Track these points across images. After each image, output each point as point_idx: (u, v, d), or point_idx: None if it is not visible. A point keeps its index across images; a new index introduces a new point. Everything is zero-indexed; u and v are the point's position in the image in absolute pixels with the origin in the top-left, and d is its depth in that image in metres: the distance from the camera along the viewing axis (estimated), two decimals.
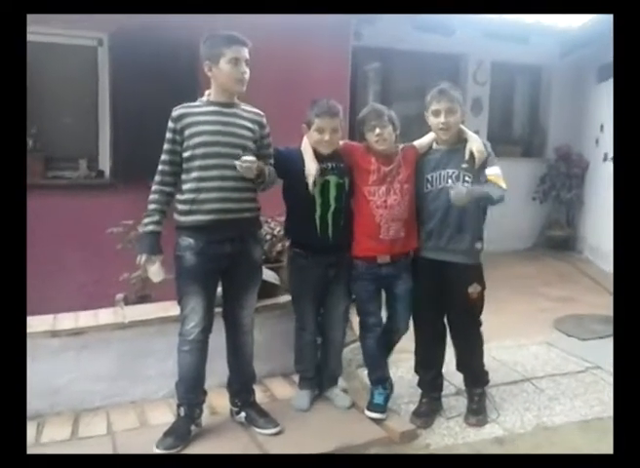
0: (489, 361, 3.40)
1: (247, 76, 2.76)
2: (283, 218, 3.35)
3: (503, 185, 2.98)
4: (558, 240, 7.56)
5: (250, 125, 2.81)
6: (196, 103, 2.81)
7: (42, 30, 4.39)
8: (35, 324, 3.06)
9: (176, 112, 2.75)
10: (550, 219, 7.69)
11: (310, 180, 2.91)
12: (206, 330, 2.81)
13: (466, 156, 2.98)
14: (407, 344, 3.27)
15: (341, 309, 3.20)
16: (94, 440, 2.84)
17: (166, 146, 2.76)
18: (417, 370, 3.30)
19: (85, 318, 3.27)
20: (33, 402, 2.81)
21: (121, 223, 3.68)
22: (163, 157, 2.76)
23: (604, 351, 4.10)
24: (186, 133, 2.70)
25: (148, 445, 2.76)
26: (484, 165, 2.99)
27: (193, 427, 2.84)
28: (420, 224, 3.10)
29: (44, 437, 2.84)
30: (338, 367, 3.31)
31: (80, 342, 3.12)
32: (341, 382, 3.38)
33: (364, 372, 3.46)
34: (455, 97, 2.99)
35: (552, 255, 7.29)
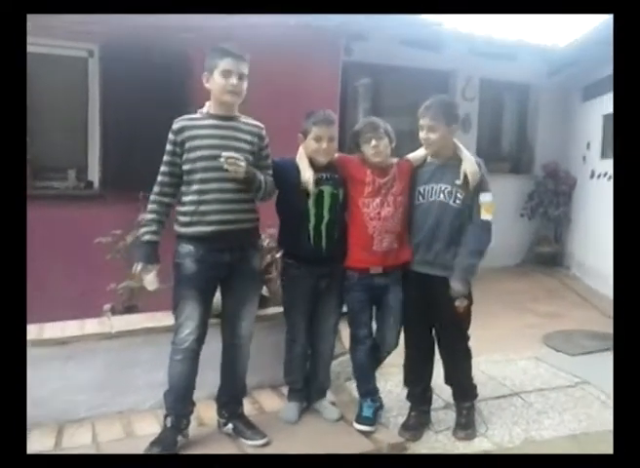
0: (477, 375, 3.40)
1: (239, 89, 2.76)
2: (272, 230, 3.35)
3: (490, 215, 3.02)
4: (546, 256, 7.61)
5: (249, 138, 2.83)
6: (196, 116, 2.82)
7: (32, 41, 4.32)
8: None
9: (176, 125, 2.77)
10: (538, 236, 7.75)
11: (310, 187, 2.92)
12: (199, 339, 2.78)
13: (461, 177, 3.00)
14: (395, 358, 3.26)
15: (332, 321, 3.19)
16: (78, 450, 2.79)
17: (166, 158, 2.78)
18: (406, 384, 3.29)
19: (71, 327, 3.22)
20: None
21: (110, 233, 3.66)
22: (162, 168, 2.79)
23: (593, 366, 4.16)
24: (186, 146, 2.73)
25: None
26: (479, 187, 3.02)
27: (180, 438, 2.81)
28: (409, 236, 3.11)
29: (27, 448, 2.77)
30: (326, 379, 3.29)
31: (66, 352, 3.08)
32: (330, 395, 3.36)
33: (352, 385, 3.45)
34: (438, 116, 2.98)
35: (540, 271, 7.34)
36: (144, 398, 3.24)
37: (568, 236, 7.63)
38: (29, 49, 4.31)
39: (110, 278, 3.70)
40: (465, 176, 2.99)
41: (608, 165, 6.56)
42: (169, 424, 2.79)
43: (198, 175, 2.72)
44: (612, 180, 6.42)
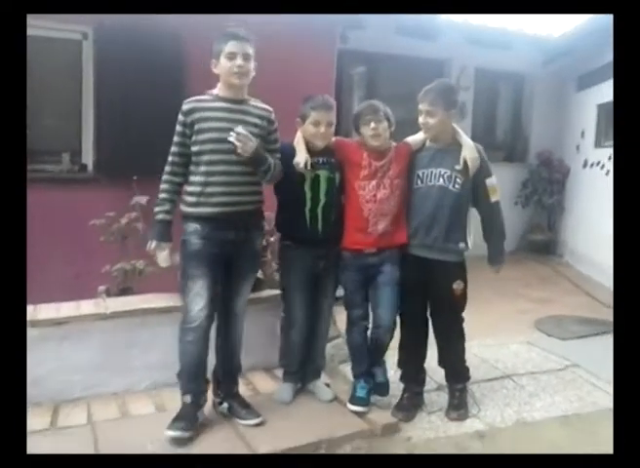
0: (470, 358, 3.42)
1: (246, 69, 2.78)
2: (267, 213, 3.35)
3: (497, 196, 3.14)
4: (539, 244, 7.66)
5: (258, 121, 2.85)
6: (206, 97, 2.85)
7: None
8: None
9: (186, 106, 2.80)
10: (532, 224, 7.79)
11: (301, 168, 2.94)
12: (210, 316, 2.80)
13: (461, 163, 3.03)
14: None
15: (328, 302, 3.22)
16: (73, 429, 2.81)
17: (176, 139, 2.82)
18: (399, 365, 3.31)
19: (66, 309, 3.23)
20: None
21: (104, 215, 3.66)
22: (173, 149, 2.83)
23: (583, 350, 4.23)
24: (196, 127, 2.76)
25: (129, 434, 2.76)
26: (482, 173, 3.06)
27: (200, 414, 2.84)
28: (407, 220, 3.13)
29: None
30: (321, 360, 3.31)
31: (61, 333, 3.08)
32: (324, 377, 3.38)
33: (346, 368, 3.47)
34: (437, 100, 3.00)
35: (534, 259, 7.38)
36: (139, 379, 3.25)
37: (561, 224, 7.68)
38: None
39: (105, 260, 3.71)
40: (465, 162, 3.02)
41: (601, 154, 6.60)
42: (188, 400, 2.80)
43: (206, 157, 2.76)
44: (605, 169, 6.46)
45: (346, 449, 2.79)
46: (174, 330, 3.22)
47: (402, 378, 3.30)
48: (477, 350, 3.99)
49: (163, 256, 2.86)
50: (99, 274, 3.71)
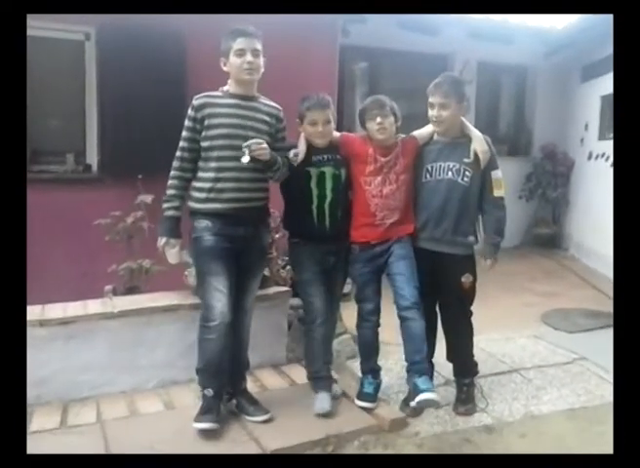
0: (477, 353, 3.42)
1: (256, 65, 2.79)
2: (272, 210, 3.36)
3: (503, 190, 3.11)
4: (544, 237, 7.64)
5: (267, 119, 2.87)
6: (217, 93, 2.86)
7: (28, 24, 4.34)
8: None
9: (197, 101, 2.80)
10: (537, 217, 7.77)
11: (294, 159, 2.95)
12: (230, 312, 2.77)
13: (471, 156, 3.03)
14: (395, 337, 3.26)
15: (335, 299, 3.23)
16: (83, 428, 2.82)
17: (185, 134, 2.82)
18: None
19: (73, 308, 3.24)
20: None
21: (109, 215, 3.67)
22: (182, 144, 2.83)
23: (590, 343, 4.21)
24: (206, 123, 2.77)
25: (139, 432, 2.78)
26: (489, 166, 3.06)
27: (222, 408, 2.87)
28: (415, 213, 3.12)
29: (33, 425, 2.81)
30: (329, 356, 3.30)
31: (68, 332, 3.10)
32: (332, 373, 3.38)
33: (354, 364, 3.47)
34: (450, 93, 3.00)
35: (539, 253, 7.37)
36: (147, 377, 3.27)
37: (566, 217, 7.66)
38: None
39: (111, 260, 3.73)
40: (475, 155, 3.02)
41: (606, 146, 6.57)
42: (210, 393, 2.80)
43: (216, 153, 2.77)
44: (609, 161, 6.44)
45: (354, 445, 2.80)
46: (180, 328, 3.27)
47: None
48: (484, 345, 3.99)
49: (173, 253, 2.86)
50: (105, 274, 3.73)
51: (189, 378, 3.08)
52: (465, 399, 3.21)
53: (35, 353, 2.94)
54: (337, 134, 3.13)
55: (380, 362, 3.30)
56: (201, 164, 2.81)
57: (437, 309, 3.22)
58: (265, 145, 2.74)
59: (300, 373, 3.47)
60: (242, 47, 2.76)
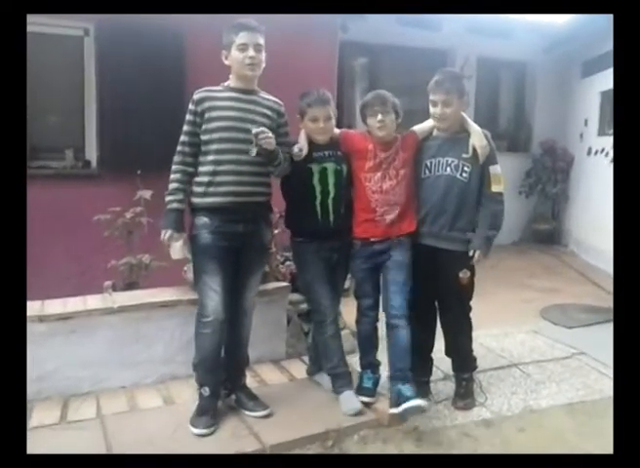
0: (476, 348, 3.42)
1: (258, 60, 2.79)
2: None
3: (502, 186, 3.08)
4: (544, 233, 7.65)
5: (268, 112, 2.87)
6: (217, 88, 2.86)
7: (28, 20, 4.34)
8: None
9: (197, 95, 2.81)
10: (536, 213, 7.78)
11: (297, 154, 2.95)
12: (225, 309, 2.79)
13: (470, 151, 3.03)
14: None
15: (339, 290, 3.23)
16: (83, 423, 2.83)
17: (186, 128, 2.82)
18: None
19: (73, 304, 3.25)
20: None
21: (108, 210, 3.67)
22: (183, 138, 2.82)
23: (589, 338, 4.22)
24: (206, 116, 2.77)
25: (138, 427, 2.79)
26: (487, 161, 3.05)
27: (220, 403, 2.89)
28: (414, 208, 3.12)
29: (33, 421, 2.82)
30: (341, 350, 3.29)
31: (68, 327, 3.10)
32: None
33: (353, 359, 3.47)
34: (452, 89, 3.00)
35: (538, 249, 7.38)
36: (147, 373, 3.27)
37: (565, 213, 7.67)
38: None
39: (110, 255, 3.73)
40: (474, 150, 3.02)
41: (605, 142, 6.57)
42: (206, 393, 2.82)
43: (214, 146, 2.76)
44: (609, 157, 6.44)
45: (354, 439, 2.81)
46: (180, 323, 3.28)
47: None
48: (483, 340, 4.00)
49: (177, 247, 2.83)
50: (104, 269, 3.72)
51: (189, 373, 3.08)
52: (464, 393, 3.22)
53: (35, 349, 2.94)
54: (337, 130, 3.13)
55: (380, 356, 3.31)
56: (201, 158, 2.80)
57: (436, 304, 3.22)
58: (271, 134, 2.73)
59: (299, 369, 3.49)
60: (244, 41, 2.75)
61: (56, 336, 3.08)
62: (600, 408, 3.18)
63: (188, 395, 3.09)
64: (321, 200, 3.03)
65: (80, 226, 4.30)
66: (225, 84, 2.88)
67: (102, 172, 4.83)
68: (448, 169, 3.04)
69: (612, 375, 3.52)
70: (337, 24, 5.61)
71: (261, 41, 2.80)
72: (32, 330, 2.98)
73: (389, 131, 3.02)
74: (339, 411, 2.95)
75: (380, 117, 2.97)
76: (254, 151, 2.70)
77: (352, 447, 2.77)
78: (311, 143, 3.02)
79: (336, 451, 2.71)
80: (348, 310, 3.44)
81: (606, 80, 6.35)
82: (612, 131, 6.51)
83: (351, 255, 3.14)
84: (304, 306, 3.71)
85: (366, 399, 3.06)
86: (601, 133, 6.83)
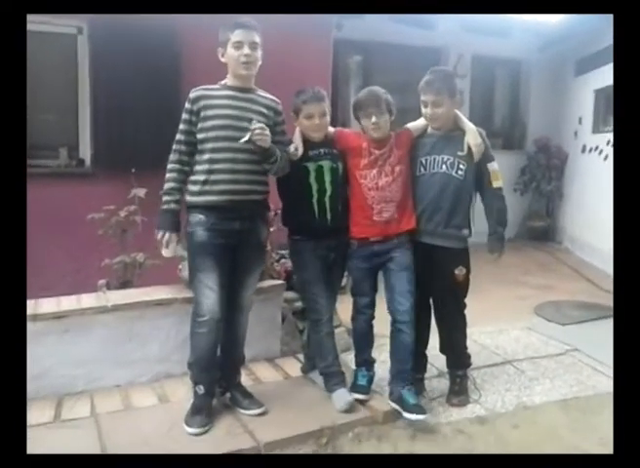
0: (471, 345, 3.43)
1: (253, 58, 2.79)
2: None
3: (500, 182, 3.13)
4: (538, 230, 7.67)
5: (264, 111, 2.86)
6: (214, 86, 2.86)
7: None
8: None
9: (193, 94, 2.80)
10: (531, 211, 7.80)
11: (294, 153, 2.95)
12: (221, 308, 2.78)
13: (465, 149, 3.03)
14: (387, 330, 3.29)
15: (335, 289, 3.23)
16: (77, 422, 2.83)
17: (182, 127, 2.81)
18: None
19: (67, 302, 3.24)
20: None
21: (102, 209, 3.66)
22: (179, 137, 2.82)
23: (583, 335, 4.25)
24: (202, 115, 2.76)
25: (133, 426, 2.78)
26: (484, 158, 3.06)
27: (214, 401, 2.89)
28: (412, 204, 3.12)
29: (27, 420, 2.80)
30: (336, 349, 3.29)
31: (62, 326, 3.09)
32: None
33: (348, 357, 3.48)
34: (442, 89, 2.99)
35: (533, 246, 7.40)
36: (141, 371, 3.27)
37: (560, 210, 7.70)
38: None
39: (104, 254, 3.72)
40: (469, 148, 3.02)
41: (599, 139, 6.60)
42: (201, 391, 2.83)
43: (210, 145, 2.76)
44: (603, 155, 6.46)
45: (348, 436, 2.81)
46: (174, 321, 3.28)
47: None
48: (477, 337, 4.02)
49: (172, 247, 2.82)
50: (98, 268, 3.72)
51: (183, 372, 3.07)
52: (458, 390, 3.23)
53: (29, 347, 2.93)
54: (331, 129, 3.13)
55: (374, 354, 3.32)
56: (197, 157, 2.80)
57: (431, 301, 3.23)
58: (268, 133, 2.72)
59: (293, 366, 3.49)
60: (240, 39, 2.75)
61: (49, 335, 3.07)
62: (593, 404, 3.20)
63: (183, 393, 3.09)
64: (318, 198, 3.03)
65: (74, 225, 4.29)
66: (222, 82, 2.88)
67: (97, 170, 4.82)
68: (443, 166, 3.05)
69: (605, 372, 3.56)
70: (332, 23, 5.61)
71: (257, 39, 2.80)
72: (27, 329, 2.98)
73: (384, 131, 3.02)
74: (333, 409, 2.96)
75: (374, 119, 2.96)
76: (245, 138, 2.68)
77: (347, 444, 2.77)
78: (306, 142, 3.02)
79: (330, 449, 2.71)
80: (343, 307, 3.45)
81: (600, 78, 6.38)
82: (606, 128, 6.53)
83: (349, 255, 3.14)
84: (299, 304, 3.73)
85: (360, 396, 3.07)
86: (595, 130, 6.85)
